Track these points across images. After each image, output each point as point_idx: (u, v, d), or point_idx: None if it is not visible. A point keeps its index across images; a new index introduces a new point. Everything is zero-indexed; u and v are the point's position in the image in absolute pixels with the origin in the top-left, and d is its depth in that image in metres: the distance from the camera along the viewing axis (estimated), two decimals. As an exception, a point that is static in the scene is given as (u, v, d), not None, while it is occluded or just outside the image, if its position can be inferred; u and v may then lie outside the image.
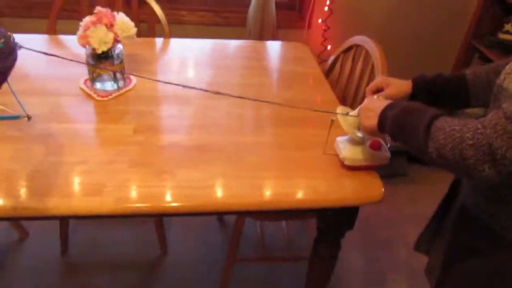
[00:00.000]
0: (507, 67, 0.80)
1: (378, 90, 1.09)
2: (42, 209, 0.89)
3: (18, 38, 0.80)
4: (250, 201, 0.98)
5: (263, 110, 1.29)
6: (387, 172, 2.38)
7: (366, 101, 0.97)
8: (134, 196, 0.94)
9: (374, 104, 0.93)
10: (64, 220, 1.70)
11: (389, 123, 0.86)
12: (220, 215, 1.97)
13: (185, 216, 1.04)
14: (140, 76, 1.32)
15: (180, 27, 2.12)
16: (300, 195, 1.00)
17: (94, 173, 0.99)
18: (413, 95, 1.05)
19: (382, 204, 1.07)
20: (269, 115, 1.28)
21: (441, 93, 1.03)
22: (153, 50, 1.63)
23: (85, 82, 1.31)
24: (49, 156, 1.02)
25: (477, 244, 0.90)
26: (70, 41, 1.59)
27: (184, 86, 1.09)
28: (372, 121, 0.91)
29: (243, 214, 1.41)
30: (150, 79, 1.27)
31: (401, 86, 1.06)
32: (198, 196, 0.96)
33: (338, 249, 1.20)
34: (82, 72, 1.33)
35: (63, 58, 0.81)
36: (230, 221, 1.97)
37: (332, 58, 1.63)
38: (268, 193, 1.00)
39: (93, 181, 0.96)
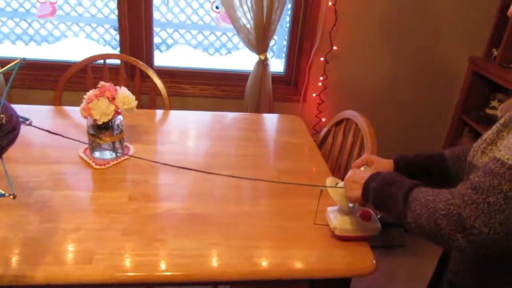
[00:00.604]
0: (474, 144, 0.85)
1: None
2: (31, 278, 0.89)
3: (26, 109, 0.85)
4: (242, 270, 0.98)
5: (257, 181, 1.32)
6: (385, 243, 2.36)
7: (350, 172, 1.02)
8: (125, 264, 0.95)
9: (358, 175, 0.97)
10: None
11: (372, 194, 0.90)
12: (212, 285, 1.92)
13: (177, 286, 1.03)
14: (134, 157, 1.37)
15: (182, 99, 2.22)
16: (291, 265, 1.00)
17: (87, 240, 1.00)
18: None
19: (381, 276, 1.06)
20: (263, 186, 1.30)
21: (421, 173, 1.08)
22: (153, 121, 1.70)
23: (84, 151, 1.36)
24: (44, 223, 1.04)
25: None
26: (74, 111, 1.67)
27: (177, 167, 1.14)
28: (356, 192, 0.95)
29: (235, 284, 1.38)
30: (142, 158, 1.31)
31: (384, 165, 1.11)
32: (189, 265, 0.96)
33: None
34: (83, 141, 1.38)
35: (64, 137, 0.87)
36: (224, 293, 1.91)
37: (324, 130, 1.69)
38: (261, 263, 1.00)
39: (85, 248, 0.97)
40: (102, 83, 1.28)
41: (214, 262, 0.98)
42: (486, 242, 0.68)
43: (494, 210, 0.65)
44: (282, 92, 2.29)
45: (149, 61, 2.18)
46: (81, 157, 1.34)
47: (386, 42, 2.20)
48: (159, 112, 1.77)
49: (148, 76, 1.83)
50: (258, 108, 2.18)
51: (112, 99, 1.26)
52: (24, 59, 0.79)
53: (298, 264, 1.01)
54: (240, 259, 1.00)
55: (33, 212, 1.06)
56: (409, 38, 2.20)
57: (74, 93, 1.90)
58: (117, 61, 1.98)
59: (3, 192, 0.72)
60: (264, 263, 1.00)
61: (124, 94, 1.28)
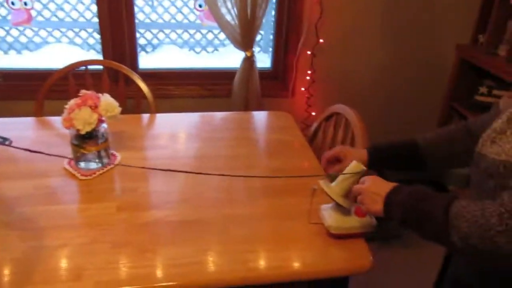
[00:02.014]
0: (483, 134, 0.82)
1: (336, 159, 1.13)
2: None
3: (7, 122, 0.81)
4: (238, 276, 0.95)
5: (250, 181, 1.29)
6: (381, 235, 2.35)
7: (369, 182, 0.94)
8: (117, 278, 0.92)
9: (379, 187, 0.90)
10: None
11: (397, 209, 0.84)
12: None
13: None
14: (121, 165, 1.34)
15: (168, 101, 2.18)
16: (288, 268, 0.98)
17: (75, 256, 0.96)
18: (369, 164, 1.09)
19: (378, 268, 1.05)
20: (256, 187, 1.27)
21: (393, 159, 1.08)
22: (140, 126, 1.66)
23: (69, 162, 1.32)
24: (28, 241, 1.00)
25: None
26: (57, 121, 1.62)
27: (166, 170, 1.11)
28: (378, 206, 0.89)
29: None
30: (129, 166, 1.28)
31: (357, 156, 1.09)
32: (184, 274, 0.94)
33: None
34: (67, 152, 1.34)
35: (45, 153, 0.83)
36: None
37: (314, 125, 1.67)
38: (257, 267, 0.97)
39: (73, 265, 0.94)
40: (83, 91, 1.24)
41: (210, 269, 0.96)
42: None
43: None
44: (270, 87, 2.27)
45: (134, 64, 2.14)
46: (65, 169, 1.30)
47: (372, 33, 2.17)
48: (145, 117, 1.73)
49: (132, 80, 1.79)
50: (247, 105, 2.15)
51: (94, 108, 1.22)
52: (2, 77, 0.75)
53: (295, 265, 0.99)
54: (236, 264, 0.98)
55: (16, 231, 1.03)
56: (395, 28, 2.18)
57: (57, 102, 1.85)
58: (100, 67, 1.93)
59: None
60: (261, 267, 0.98)
61: (107, 101, 1.24)
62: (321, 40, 2.12)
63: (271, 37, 2.28)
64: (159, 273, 0.94)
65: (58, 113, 1.71)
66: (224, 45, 2.80)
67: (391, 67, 2.26)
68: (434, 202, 0.79)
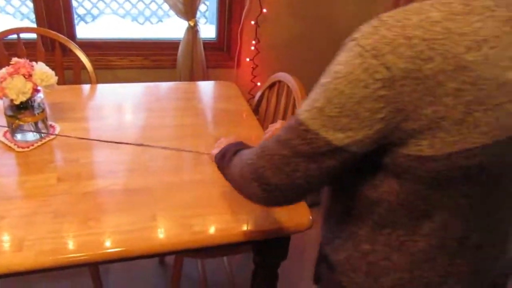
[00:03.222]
0: None
1: None
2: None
3: None
4: (183, 240, 0.97)
5: (199, 148, 1.30)
6: (314, 201, 2.46)
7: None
8: (59, 247, 0.91)
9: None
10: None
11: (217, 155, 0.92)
12: (152, 257, 1.92)
13: (122, 261, 1.01)
14: (60, 135, 1.30)
15: (110, 72, 2.12)
16: (231, 230, 1.01)
17: (14, 227, 0.94)
18: None
19: (312, 231, 1.11)
20: (191, 156, 1.28)
21: None
22: (80, 97, 1.61)
23: (4, 134, 1.27)
24: (-37, 215, 0.97)
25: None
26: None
27: (102, 141, 1.09)
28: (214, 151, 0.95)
29: (180, 254, 1.39)
30: (67, 136, 1.25)
31: None
32: (128, 240, 0.95)
33: (276, 279, 1.22)
34: (1, 124, 1.29)
35: None
36: (172, 263, 1.92)
37: (258, 94, 1.70)
38: (202, 230, 1.00)
39: (13, 236, 0.92)
40: (15, 59, 1.19)
41: (155, 234, 0.98)
42: (272, 192, 0.68)
43: (283, 162, 0.64)
44: (215, 58, 2.26)
45: (71, 34, 2.04)
46: (1, 141, 1.25)
47: (315, 2, 2.20)
48: (85, 87, 1.68)
49: (70, 50, 1.71)
50: (192, 76, 2.14)
51: (28, 76, 1.17)
52: None
53: (237, 228, 1.02)
54: (180, 228, 1.00)
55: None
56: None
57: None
58: (34, 36, 1.83)
59: None
60: (206, 230, 1.00)
61: (41, 70, 1.20)
62: (264, 10, 2.12)
63: (206, 6, 2.25)
64: (104, 240, 0.94)
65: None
66: (168, 15, 2.73)
67: (334, 35, 2.31)
68: (235, 148, 0.84)
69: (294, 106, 1.44)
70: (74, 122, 1.40)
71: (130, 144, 1.18)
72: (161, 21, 2.77)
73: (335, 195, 0.77)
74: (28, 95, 1.15)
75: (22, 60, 1.19)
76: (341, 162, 0.62)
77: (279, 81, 1.57)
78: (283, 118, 1.54)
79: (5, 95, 1.14)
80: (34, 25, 2.05)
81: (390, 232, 0.67)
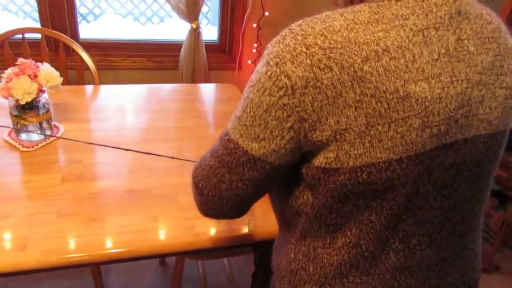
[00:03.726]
0: None
1: None
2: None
3: None
4: (185, 241, 0.99)
5: (199, 152, 1.32)
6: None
7: None
8: (63, 247, 0.93)
9: None
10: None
11: None
12: (154, 257, 1.94)
13: (124, 262, 1.03)
14: (63, 138, 1.31)
15: (112, 73, 2.13)
16: (233, 232, 1.03)
17: (19, 227, 0.96)
18: None
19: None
20: (195, 158, 1.30)
21: None
22: (84, 98, 1.63)
23: (9, 134, 1.28)
24: (-31, 213, 0.98)
25: None
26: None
27: (108, 147, 1.10)
28: None
29: (181, 255, 1.40)
30: (70, 139, 1.26)
31: None
32: (131, 241, 0.96)
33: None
34: (5, 123, 1.30)
35: None
36: (172, 264, 1.94)
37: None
38: (203, 232, 1.01)
39: (18, 235, 0.94)
40: (21, 60, 1.20)
41: (157, 235, 0.99)
42: (206, 203, 0.69)
43: (211, 172, 0.65)
44: (217, 60, 2.27)
45: (74, 34, 2.06)
46: (5, 141, 1.26)
47: (317, 5, 2.22)
48: (88, 88, 1.69)
49: (74, 50, 1.73)
50: (194, 78, 2.16)
51: (34, 77, 1.18)
52: None
53: (238, 230, 1.03)
54: (182, 230, 1.01)
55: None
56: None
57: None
58: (38, 35, 1.85)
59: None
60: (206, 232, 1.02)
61: (47, 70, 1.21)
62: (266, 13, 2.14)
63: (208, 8, 2.27)
64: (107, 240, 0.96)
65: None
66: (170, 16, 2.74)
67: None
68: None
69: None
70: (78, 123, 1.41)
71: (138, 152, 1.19)
72: (163, 21, 2.78)
73: (273, 203, 0.77)
74: (33, 96, 1.17)
75: (27, 61, 1.21)
76: (263, 173, 0.61)
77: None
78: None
79: (11, 95, 1.15)
80: (37, 24, 2.07)
81: (309, 243, 0.67)
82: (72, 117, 1.44)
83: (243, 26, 2.17)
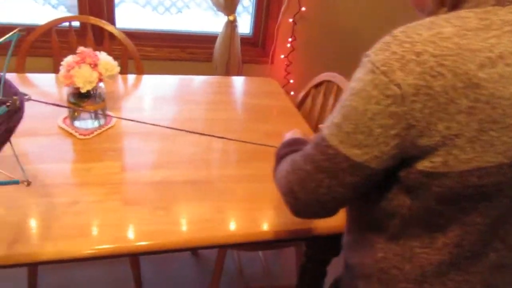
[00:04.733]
0: None
1: None
2: (42, 254, 0.86)
3: None
4: (250, 233, 1.01)
5: (245, 145, 1.33)
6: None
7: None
8: (132, 235, 0.94)
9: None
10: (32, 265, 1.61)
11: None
12: (217, 247, 1.96)
13: (188, 250, 1.04)
14: (125, 119, 1.32)
15: (147, 63, 2.13)
16: (296, 225, 1.04)
17: (87, 213, 0.98)
18: None
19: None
20: (254, 148, 1.30)
21: None
22: (130, 87, 1.64)
23: (63, 121, 1.29)
24: (40, 198, 1.00)
25: None
26: (38, 79, 1.56)
27: (175, 129, 1.11)
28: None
29: (237, 247, 1.42)
30: (134, 120, 1.28)
31: None
32: (196, 231, 0.98)
33: (324, 276, 1.25)
34: (56, 110, 1.31)
35: (68, 107, 0.81)
36: (203, 254, 1.96)
37: (302, 93, 1.72)
38: (265, 223, 1.03)
39: (87, 220, 0.95)
40: (81, 48, 1.21)
41: (222, 226, 1.01)
42: (302, 206, 0.69)
43: (308, 177, 0.66)
44: (250, 53, 2.28)
45: (111, 22, 2.06)
46: (61, 127, 1.27)
47: (353, 2, 2.22)
48: (130, 77, 1.70)
49: (116, 39, 1.73)
50: (228, 70, 2.16)
51: (94, 66, 1.19)
52: (24, 29, 0.73)
53: (302, 224, 1.04)
54: (246, 221, 1.03)
55: (24, 187, 1.01)
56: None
57: (38, 59, 1.78)
58: (76, 23, 1.85)
59: (16, 179, 0.68)
60: (270, 224, 1.03)
61: (106, 60, 1.22)
62: (303, 8, 2.14)
63: (248, 3, 2.27)
64: (173, 230, 0.97)
65: (38, 70, 1.66)
66: (188, 7, 2.73)
67: (368, 36, 2.33)
68: (284, 150, 0.83)
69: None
70: (128, 112, 1.43)
71: (208, 135, 1.20)
72: (180, 12, 2.77)
73: (356, 203, 0.78)
74: (93, 84, 1.18)
75: (87, 50, 1.22)
76: (363, 178, 0.62)
77: (328, 81, 1.59)
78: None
79: (73, 83, 1.17)
80: (60, 11, 2.05)
81: (404, 243, 0.68)
82: (122, 107, 1.45)
83: (279, 20, 2.17)
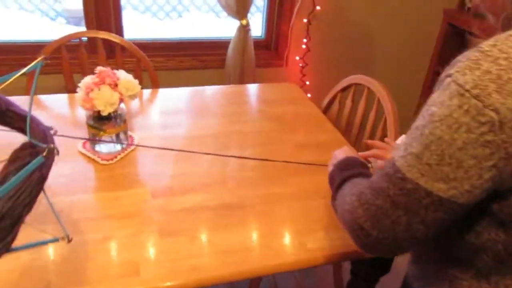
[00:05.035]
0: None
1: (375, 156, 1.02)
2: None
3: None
4: (298, 259, 0.93)
5: (283, 156, 1.25)
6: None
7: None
8: (175, 270, 0.87)
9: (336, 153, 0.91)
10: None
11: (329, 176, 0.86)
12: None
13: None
14: (146, 146, 1.25)
15: (159, 74, 2.05)
16: (347, 247, 0.96)
17: (123, 249, 0.90)
18: None
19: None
20: (281, 165, 1.23)
21: None
22: (147, 103, 1.55)
23: (83, 146, 1.22)
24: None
25: None
26: (49, 100, 1.47)
27: (198, 153, 1.04)
28: (329, 168, 0.89)
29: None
30: (159, 148, 1.21)
31: None
32: (243, 262, 0.90)
33: (372, 294, 1.17)
34: (71, 132, 1.23)
35: (93, 140, 0.74)
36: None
37: (329, 96, 1.64)
38: (315, 248, 0.95)
39: (125, 258, 0.88)
40: (100, 68, 1.13)
41: (269, 253, 0.93)
42: (374, 244, 0.61)
43: (382, 213, 0.58)
44: (263, 57, 2.20)
45: (119, 34, 1.98)
46: (81, 153, 1.20)
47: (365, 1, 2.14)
48: (146, 92, 1.62)
49: (125, 51, 1.65)
50: (242, 76, 2.08)
51: (114, 86, 1.12)
52: (48, 57, 0.65)
53: (342, 246, 0.96)
54: (293, 247, 0.95)
55: (50, 225, 0.93)
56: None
57: (47, 77, 1.70)
58: (84, 38, 1.77)
59: (56, 238, 0.61)
60: (320, 249, 0.95)
61: (126, 79, 1.14)
62: (318, 7, 2.06)
63: (260, 3, 2.18)
64: (220, 260, 0.90)
65: (49, 88, 1.57)
66: (188, 10, 2.65)
67: (381, 34, 2.25)
68: (342, 173, 0.78)
69: (377, 112, 1.38)
70: (148, 130, 1.35)
71: (235, 157, 1.12)
72: (181, 16, 2.69)
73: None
74: (115, 106, 1.10)
75: (105, 69, 1.14)
76: (449, 214, 0.55)
77: (357, 84, 1.51)
78: (361, 123, 1.48)
79: (93, 107, 1.09)
80: (58, 23, 1.97)
81: (498, 280, 0.61)
82: (142, 125, 1.37)
83: (292, 21, 2.08)
